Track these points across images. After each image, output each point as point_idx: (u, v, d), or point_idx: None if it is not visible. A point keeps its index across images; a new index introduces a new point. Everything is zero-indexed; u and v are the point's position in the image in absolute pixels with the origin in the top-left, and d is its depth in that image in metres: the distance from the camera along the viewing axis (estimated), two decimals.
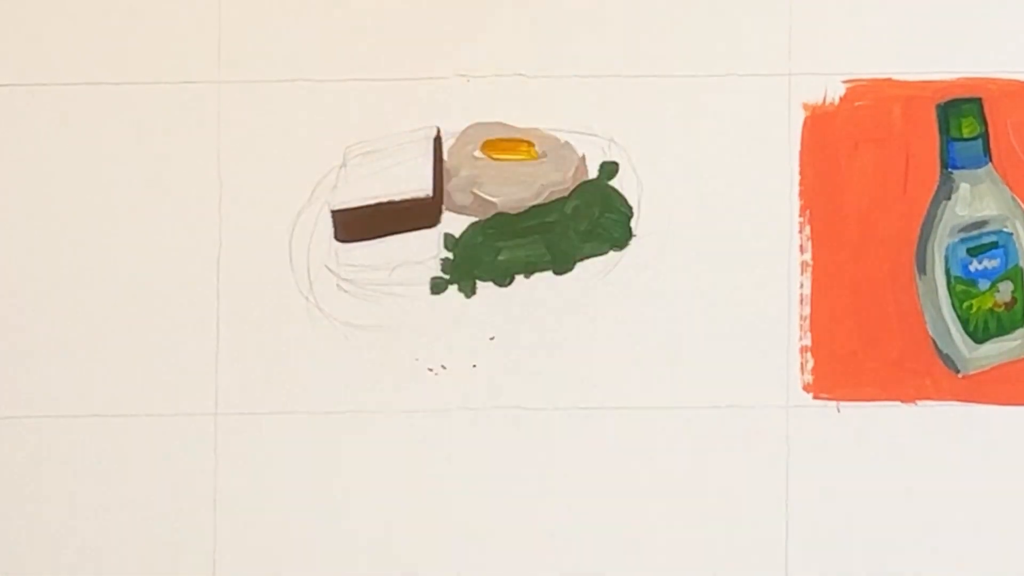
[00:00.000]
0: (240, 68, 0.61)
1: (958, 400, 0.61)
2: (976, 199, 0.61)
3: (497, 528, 0.61)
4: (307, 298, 0.61)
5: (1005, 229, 0.62)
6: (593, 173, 0.62)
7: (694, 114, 0.61)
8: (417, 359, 0.61)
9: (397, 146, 0.61)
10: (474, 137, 0.61)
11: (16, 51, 0.61)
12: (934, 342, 0.61)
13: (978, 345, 0.61)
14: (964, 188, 0.61)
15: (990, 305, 0.61)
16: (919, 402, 0.61)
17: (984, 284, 0.61)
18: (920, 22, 0.62)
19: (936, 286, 0.61)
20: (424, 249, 0.61)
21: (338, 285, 0.61)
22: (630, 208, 0.61)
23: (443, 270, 0.61)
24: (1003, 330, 0.61)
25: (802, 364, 0.61)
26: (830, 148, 0.61)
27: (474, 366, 0.61)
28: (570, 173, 0.61)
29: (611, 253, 0.61)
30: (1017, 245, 0.61)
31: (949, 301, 0.61)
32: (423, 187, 0.61)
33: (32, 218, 0.61)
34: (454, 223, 0.61)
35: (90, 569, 0.61)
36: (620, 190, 0.61)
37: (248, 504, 0.61)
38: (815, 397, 0.61)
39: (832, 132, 0.61)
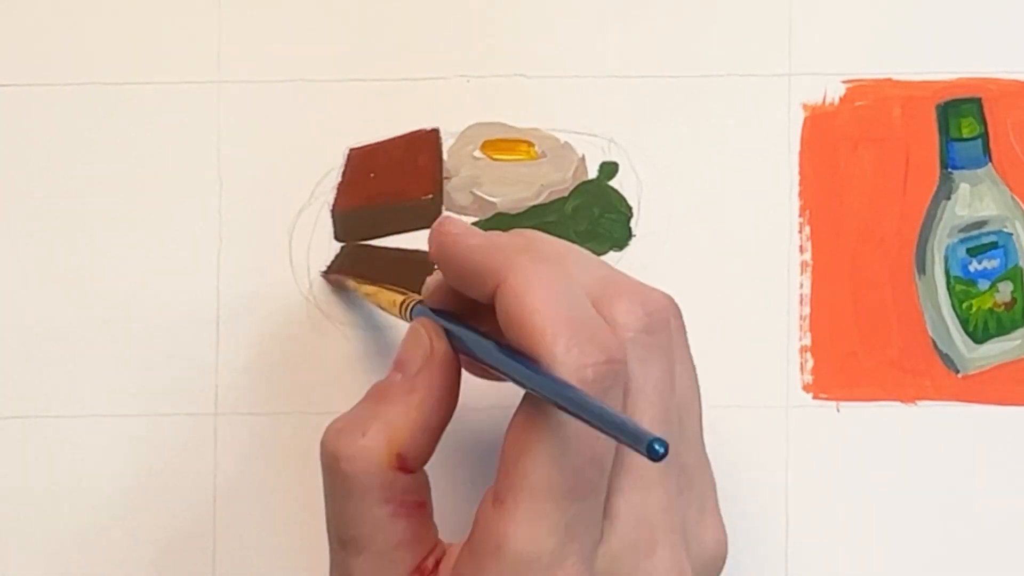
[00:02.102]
0: (240, 68, 0.61)
1: (958, 400, 0.61)
2: (976, 199, 0.61)
3: None
4: (307, 298, 0.61)
5: (1005, 229, 0.62)
6: (593, 173, 0.61)
7: (694, 114, 0.61)
8: None
9: (397, 146, 0.61)
10: (474, 137, 0.61)
11: (16, 51, 0.61)
12: (934, 342, 0.61)
13: (978, 345, 0.61)
14: (964, 188, 0.61)
15: (990, 305, 0.61)
16: (919, 402, 0.61)
17: (984, 284, 0.61)
18: (920, 22, 0.62)
19: (936, 286, 0.61)
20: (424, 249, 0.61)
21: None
22: (630, 208, 0.61)
23: None
24: (1003, 330, 0.62)
25: (802, 364, 0.61)
26: (830, 148, 0.61)
27: None
28: (570, 173, 0.61)
29: (611, 253, 0.61)
30: (1017, 245, 0.61)
31: (949, 301, 0.61)
32: (423, 187, 0.61)
33: (32, 218, 0.61)
34: None
35: (90, 569, 0.61)
36: (620, 190, 0.61)
37: (248, 504, 0.61)
38: (815, 397, 0.61)
39: (832, 132, 0.61)
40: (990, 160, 0.61)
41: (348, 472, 0.50)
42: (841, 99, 0.61)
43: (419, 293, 0.61)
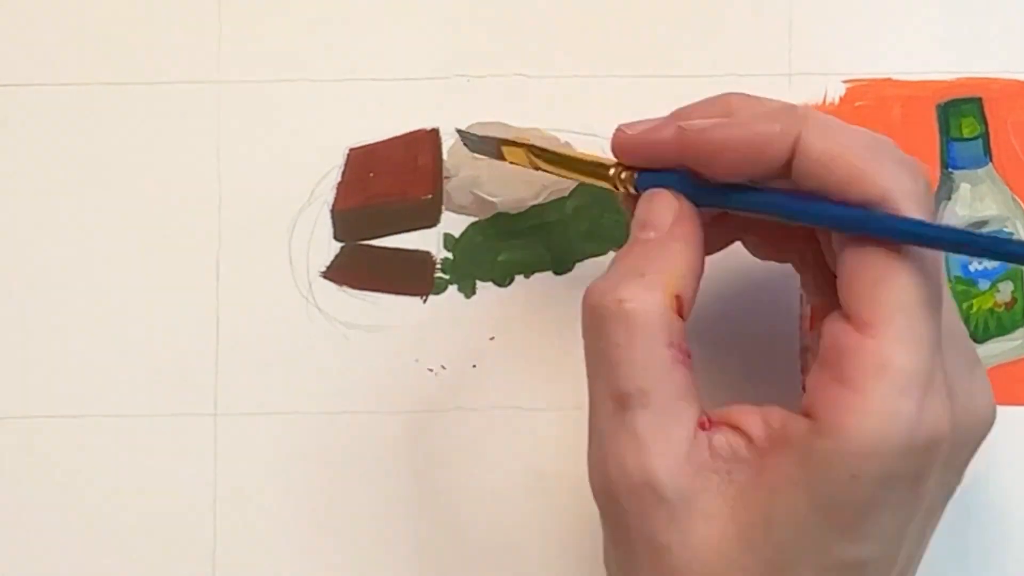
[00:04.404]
0: (240, 68, 0.61)
1: None
2: (976, 199, 0.61)
3: (497, 528, 0.61)
4: (307, 298, 0.61)
5: (1005, 229, 0.62)
6: None
7: None
8: (417, 359, 0.61)
9: (397, 146, 0.61)
10: None
11: (16, 51, 0.61)
12: None
13: (978, 345, 0.61)
14: (964, 188, 0.61)
15: (990, 305, 0.61)
16: None
17: (984, 284, 0.61)
18: (920, 22, 0.62)
19: None
20: (424, 249, 0.61)
21: (338, 285, 0.61)
22: None
23: (443, 270, 0.61)
24: (1003, 330, 0.61)
25: (803, 364, 0.61)
26: None
27: (474, 366, 0.61)
28: None
29: (611, 253, 0.61)
30: None
31: None
32: (423, 187, 0.61)
33: (32, 218, 0.61)
34: (454, 223, 0.61)
35: (90, 569, 0.61)
36: None
37: (248, 504, 0.61)
38: None
39: None
40: (990, 160, 0.61)
41: (634, 312, 0.49)
42: (841, 99, 0.61)
43: (421, 292, 0.61)
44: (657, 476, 0.49)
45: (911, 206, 0.48)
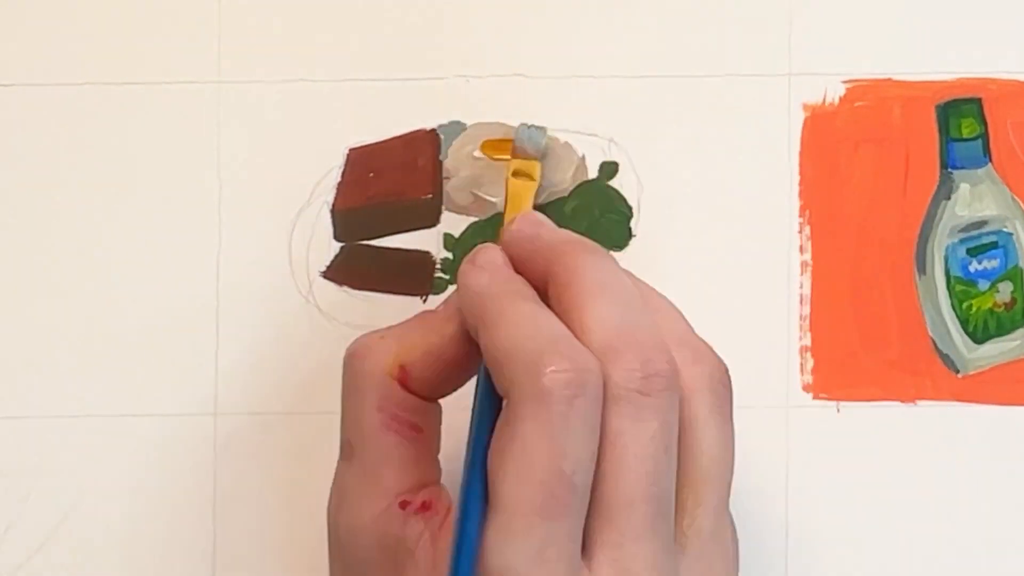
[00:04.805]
0: (240, 68, 0.61)
1: (958, 400, 0.61)
2: (976, 199, 0.61)
3: None
4: (307, 298, 0.61)
5: (1005, 229, 0.62)
6: (593, 173, 0.61)
7: (694, 114, 0.61)
8: None
9: (397, 146, 0.61)
10: (474, 137, 0.61)
11: (16, 51, 0.61)
12: (934, 342, 0.61)
13: (978, 345, 0.61)
14: (964, 188, 0.61)
15: (990, 305, 0.61)
16: (918, 402, 0.61)
17: (984, 284, 0.61)
18: (920, 22, 0.62)
19: (936, 286, 0.61)
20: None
21: (338, 285, 0.61)
22: (630, 208, 0.61)
23: (443, 270, 0.61)
24: (1003, 330, 0.61)
25: (802, 364, 0.61)
26: (830, 148, 0.61)
27: None
28: (570, 173, 0.61)
29: (611, 253, 0.61)
30: (1017, 245, 0.61)
31: (949, 301, 0.61)
32: (423, 187, 0.61)
33: (32, 218, 0.61)
34: (454, 223, 0.61)
35: (89, 569, 0.61)
36: (620, 190, 0.61)
37: (248, 504, 0.61)
38: (815, 397, 0.61)
39: (832, 132, 0.61)
40: (990, 160, 0.61)
41: (354, 368, 0.52)
42: (841, 99, 0.61)
43: (421, 292, 0.61)
44: (339, 530, 0.51)
45: (525, 403, 0.46)
